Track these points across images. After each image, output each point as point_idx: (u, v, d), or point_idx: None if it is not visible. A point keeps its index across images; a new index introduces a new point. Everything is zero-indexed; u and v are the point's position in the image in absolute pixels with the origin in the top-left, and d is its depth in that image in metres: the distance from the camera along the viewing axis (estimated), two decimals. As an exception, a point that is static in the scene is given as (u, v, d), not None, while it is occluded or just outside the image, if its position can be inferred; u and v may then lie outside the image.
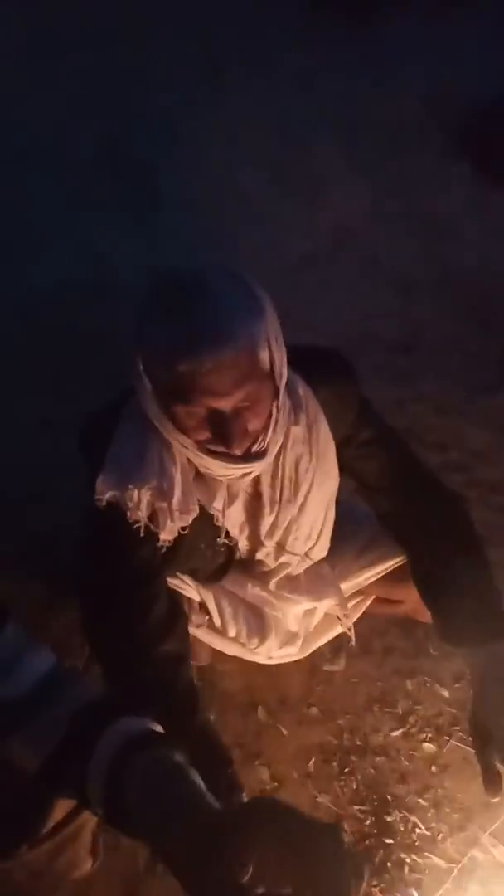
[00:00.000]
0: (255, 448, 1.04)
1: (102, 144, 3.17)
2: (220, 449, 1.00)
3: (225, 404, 0.95)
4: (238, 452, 1.00)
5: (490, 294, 2.70)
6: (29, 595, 1.73)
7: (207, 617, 1.28)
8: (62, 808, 0.94)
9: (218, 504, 1.11)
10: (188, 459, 1.06)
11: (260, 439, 1.03)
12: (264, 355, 0.97)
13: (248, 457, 1.03)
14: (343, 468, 1.22)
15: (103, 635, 1.11)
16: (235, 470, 1.04)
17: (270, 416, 1.03)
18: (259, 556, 1.24)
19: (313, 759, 1.51)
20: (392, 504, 1.26)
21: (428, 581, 1.25)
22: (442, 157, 3.29)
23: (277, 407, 1.03)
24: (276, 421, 1.04)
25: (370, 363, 2.35)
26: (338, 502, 1.27)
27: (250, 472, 1.07)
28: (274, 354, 0.99)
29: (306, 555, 1.26)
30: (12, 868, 0.98)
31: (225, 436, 0.97)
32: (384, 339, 2.44)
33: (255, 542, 1.21)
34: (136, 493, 1.05)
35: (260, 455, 1.04)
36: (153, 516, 1.08)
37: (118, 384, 1.21)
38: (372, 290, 2.67)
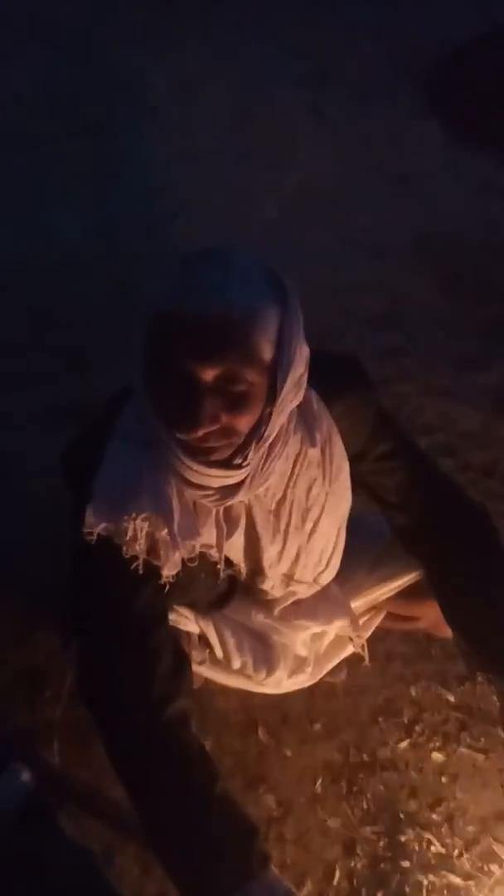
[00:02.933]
0: (236, 459, 0.91)
1: (43, 96, 2.90)
2: (185, 434, 0.87)
3: (203, 372, 0.84)
4: (200, 433, 0.86)
5: (466, 261, 2.58)
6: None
7: (208, 651, 1.16)
8: None
9: (208, 538, 0.98)
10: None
11: (242, 450, 0.90)
12: (265, 343, 0.85)
13: (224, 464, 0.90)
14: (358, 483, 1.11)
15: (105, 701, 0.97)
16: (212, 479, 0.91)
17: (260, 423, 0.89)
18: (264, 586, 1.12)
19: (320, 780, 1.43)
20: (411, 519, 1.15)
21: (450, 598, 1.16)
22: (410, 113, 3.12)
23: (273, 416, 0.89)
24: (267, 433, 0.90)
25: (352, 341, 2.23)
26: (349, 517, 1.15)
27: (232, 492, 0.93)
28: (283, 352, 0.86)
29: (315, 580, 1.15)
30: None
31: (189, 413, 0.85)
32: (363, 314, 2.30)
33: (258, 571, 1.09)
34: (131, 523, 0.92)
35: (239, 467, 0.91)
36: (152, 549, 0.94)
37: (75, 359, 1.06)
38: (346, 259, 2.51)
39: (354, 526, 1.19)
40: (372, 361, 2.20)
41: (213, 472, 0.91)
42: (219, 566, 1.00)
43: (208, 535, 0.97)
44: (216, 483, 0.92)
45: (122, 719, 0.95)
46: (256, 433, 0.89)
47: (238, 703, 1.49)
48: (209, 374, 0.84)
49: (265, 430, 0.89)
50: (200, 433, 0.86)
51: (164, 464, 0.91)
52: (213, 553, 0.98)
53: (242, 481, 0.93)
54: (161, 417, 0.89)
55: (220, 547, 0.98)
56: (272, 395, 0.87)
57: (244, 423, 0.88)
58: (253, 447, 0.90)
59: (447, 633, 1.23)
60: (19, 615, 1.59)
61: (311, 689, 1.52)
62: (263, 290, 0.85)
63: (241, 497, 0.94)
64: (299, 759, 1.45)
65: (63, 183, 2.63)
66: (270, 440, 0.91)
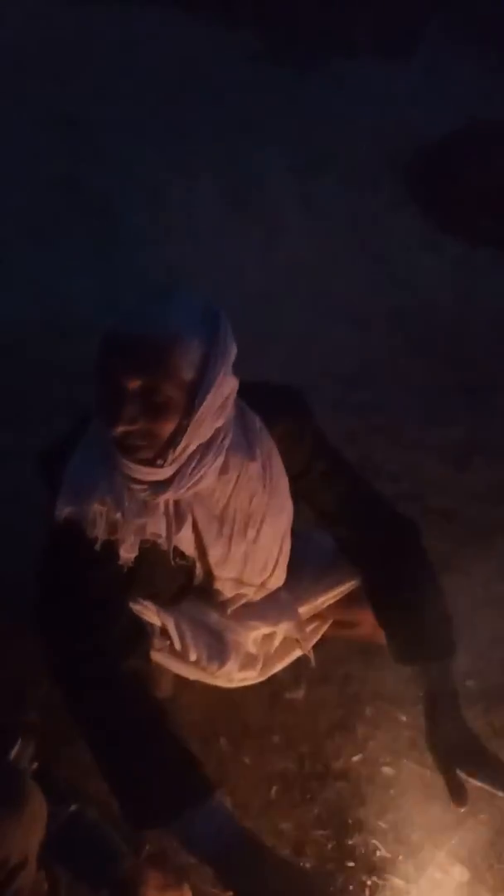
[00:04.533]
0: (159, 461, 1.07)
1: (58, 181, 3.24)
2: (109, 430, 1.04)
3: (127, 382, 1.02)
4: (119, 432, 1.04)
5: (440, 331, 2.82)
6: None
7: (168, 641, 1.30)
8: None
9: (159, 528, 1.14)
10: None
11: (162, 453, 1.07)
12: (186, 365, 1.03)
13: (150, 463, 1.07)
14: (300, 498, 1.27)
15: (65, 653, 1.12)
16: (136, 472, 1.07)
17: (177, 432, 1.06)
18: (216, 586, 1.28)
19: (275, 787, 1.53)
20: (348, 530, 1.31)
21: (381, 600, 1.31)
22: (393, 200, 3.43)
23: (191, 428, 1.06)
24: (191, 444, 1.07)
25: (326, 397, 2.42)
26: (294, 532, 1.32)
27: (161, 489, 1.09)
28: (204, 377, 1.04)
29: (263, 584, 1.31)
30: None
31: (113, 412, 1.03)
32: (339, 374, 2.51)
33: (209, 570, 1.25)
34: (90, 508, 1.09)
35: (158, 466, 1.08)
36: (111, 531, 1.11)
37: (77, 415, 1.26)
38: (327, 326, 2.75)
39: (302, 541, 1.36)
40: (345, 416, 2.42)
41: (138, 468, 1.08)
42: (168, 553, 1.16)
43: (160, 526, 1.14)
44: (145, 478, 1.09)
45: (79, 665, 1.09)
46: (173, 441, 1.06)
47: (202, 715, 1.61)
48: (132, 384, 1.03)
49: (180, 439, 1.07)
50: (119, 430, 1.04)
51: (118, 463, 1.09)
52: (162, 542, 1.15)
53: (170, 480, 1.09)
54: (98, 417, 1.08)
55: (168, 537, 1.15)
56: (189, 409, 1.05)
57: (162, 430, 1.05)
58: (170, 452, 1.07)
59: (382, 639, 1.36)
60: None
61: (271, 704, 1.66)
62: (193, 322, 1.04)
63: (171, 494, 1.11)
64: (257, 767, 1.55)
65: (73, 257, 2.92)
66: (190, 449, 1.08)
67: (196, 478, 1.09)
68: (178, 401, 1.04)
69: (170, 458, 1.07)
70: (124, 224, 3.07)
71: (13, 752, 1.21)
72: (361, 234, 3.23)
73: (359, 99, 4.10)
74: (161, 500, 1.11)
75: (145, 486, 1.09)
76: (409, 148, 3.71)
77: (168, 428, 1.05)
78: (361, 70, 4.36)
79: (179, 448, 1.07)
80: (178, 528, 1.15)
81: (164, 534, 1.14)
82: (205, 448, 1.09)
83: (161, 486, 1.09)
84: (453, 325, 2.83)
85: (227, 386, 1.07)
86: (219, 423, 1.09)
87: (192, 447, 1.08)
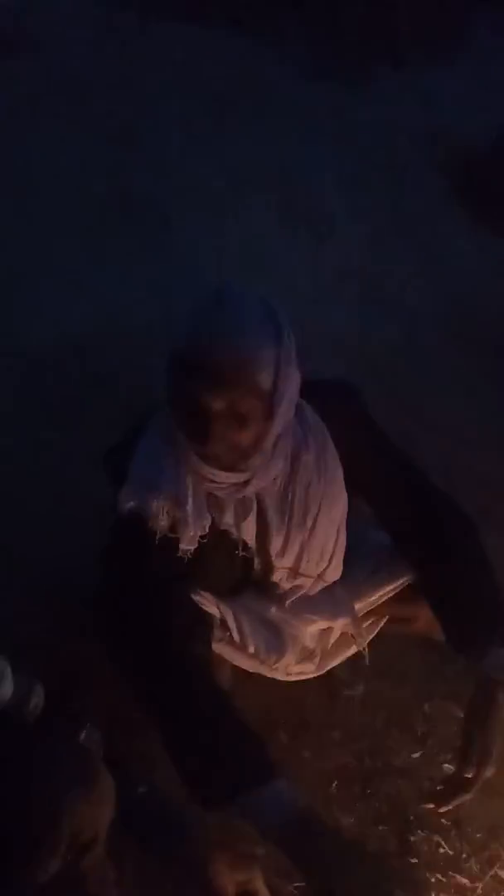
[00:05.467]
0: (241, 465, 1.11)
1: (116, 194, 3.32)
2: (196, 447, 1.08)
3: (214, 403, 1.04)
4: (210, 451, 1.07)
5: (493, 331, 2.79)
6: (39, 620, 1.76)
7: (227, 633, 1.33)
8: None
9: (229, 518, 1.18)
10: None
11: (250, 458, 1.10)
12: (265, 375, 1.05)
13: (232, 468, 1.11)
14: (355, 491, 1.29)
15: (129, 640, 1.16)
16: (220, 479, 1.11)
17: (262, 437, 1.10)
18: (274, 578, 1.30)
19: (335, 782, 1.54)
20: (405, 524, 1.32)
21: (437, 593, 1.31)
22: (441, 203, 3.41)
23: (270, 430, 1.10)
24: (270, 445, 1.11)
25: (378, 397, 2.42)
26: (350, 528, 1.33)
27: (242, 487, 1.13)
28: (279, 380, 1.07)
29: (320, 577, 1.32)
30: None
31: (201, 433, 1.06)
32: (389, 372, 2.51)
33: (267, 561, 1.27)
34: (154, 503, 1.13)
35: (241, 471, 1.12)
36: (173, 526, 1.15)
37: (127, 422, 1.31)
38: (378, 327, 2.75)
39: (358, 537, 1.37)
40: (398, 416, 2.41)
41: (222, 474, 1.13)
42: (238, 542, 1.20)
43: (229, 517, 1.18)
44: (226, 481, 1.13)
45: (143, 650, 1.13)
46: (257, 446, 1.11)
47: (262, 709, 1.62)
48: (218, 405, 1.05)
49: (264, 444, 1.11)
50: (211, 450, 1.08)
51: (183, 460, 1.13)
52: (233, 530, 1.19)
53: (249, 480, 1.14)
54: (182, 431, 1.11)
55: (237, 525, 1.19)
56: (269, 414, 1.09)
57: (247, 439, 1.09)
58: (255, 457, 1.12)
59: (440, 634, 1.36)
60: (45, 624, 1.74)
61: (329, 700, 1.66)
62: (265, 332, 1.05)
63: (249, 491, 1.16)
64: (317, 761, 1.57)
65: (128, 268, 2.98)
66: (269, 448, 1.12)
67: (271, 471, 1.14)
68: (259, 409, 1.07)
69: (252, 462, 1.11)
70: (178, 234, 3.13)
71: (81, 736, 1.24)
72: (410, 239, 3.22)
73: (405, 105, 4.09)
74: (237, 497, 1.16)
75: (224, 486, 1.14)
76: (457, 152, 3.68)
77: (252, 436, 1.09)
78: (407, 77, 4.35)
79: (261, 454, 1.11)
80: (245, 517, 1.18)
81: (232, 522, 1.17)
82: (277, 442, 1.13)
83: (240, 486, 1.14)
84: (501, 325, 2.80)
85: (295, 380, 1.10)
86: (288, 417, 1.12)
87: (271, 445, 1.12)
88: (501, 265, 3.05)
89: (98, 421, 2.31)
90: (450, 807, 1.25)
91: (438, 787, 1.27)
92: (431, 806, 1.27)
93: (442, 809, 1.27)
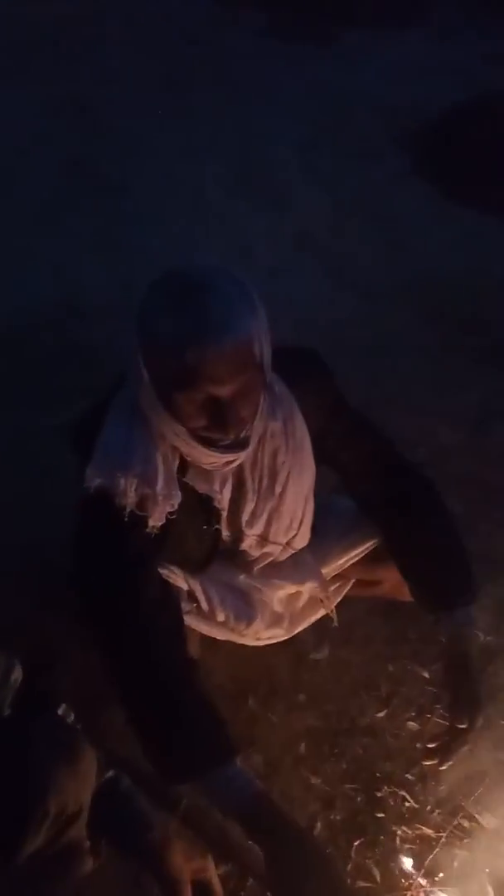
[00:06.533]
0: (243, 434, 1.12)
1: (68, 164, 3.25)
2: (217, 436, 1.07)
3: (224, 391, 1.03)
4: (231, 438, 1.07)
5: (452, 300, 2.81)
6: (18, 601, 1.76)
7: (195, 604, 1.34)
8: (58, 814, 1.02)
9: (217, 486, 1.19)
10: (171, 448, 1.13)
11: (246, 427, 1.11)
12: (257, 348, 1.05)
13: (234, 445, 1.10)
14: (322, 459, 1.30)
15: (99, 615, 1.16)
16: (221, 458, 1.11)
17: (258, 405, 1.11)
18: (243, 546, 1.31)
19: (304, 744, 1.57)
20: (369, 487, 1.34)
21: (403, 551, 1.34)
22: (400, 170, 3.42)
23: (264, 397, 1.12)
24: (262, 410, 1.13)
25: (338, 367, 2.44)
26: (317, 496, 1.35)
27: (234, 461, 1.14)
28: (264, 348, 1.07)
29: (288, 544, 1.34)
30: (14, 870, 1.05)
31: (223, 422, 1.05)
32: (351, 345, 2.52)
33: (237, 530, 1.28)
34: (122, 480, 1.12)
35: (245, 443, 1.12)
36: (141, 503, 1.14)
37: (93, 394, 1.30)
38: (339, 298, 2.76)
39: (324, 506, 1.39)
40: (359, 386, 2.43)
41: (227, 455, 1.12)
42: (210, 516, 1.22)
43: (217, 484, 1.19)
44: (222, 461, 1.13)
45: (113, 626, 1.14)
46: (255, 413, 1.11)
47: (230, 676, 1.65)
48: (228, 392, 1.04)
49: (260, 408, 1.12)
50: (232, 434, 1.07)
51: (154, 437, 1.12)
52: (218, 497, 1.20)
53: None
54: (182, 423, 1.07)
55: (221, 491, 1.20)
56: (264, 381, 1.09)
57: (251, 411, 1.10)
58: (255, 422, 1.12)
59: (406, 595, 1.39)
60: (27, 601, 1.74)
61: (295, 664, 1.70)
62: (246, 307, 1.03)
63: (237, 462, 1.16)
64: (285, 725, 1.60)
65: (83, 239, 2.94)
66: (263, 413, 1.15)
67: (255, 441, 1.15)
68: (258, 380, 1.08)
69: (249, 433, 1.12)
70: (134, 204, 3.08)
71: (59, 710, 1.25)
72: (370, 207, 3.22)
73: (365, 71, 4.08)
74: (228, 469, 1.16)
75: (219, 464, 1.13)
76: (417, 119, 3.68)
77: (253, 406, 1.10)
78: (367, 41, 4.33)
79: (258, 421, 1.12)
80: (224, 484, 1.19)
81: (218, 489, 1.19)
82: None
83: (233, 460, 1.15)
84: (465, 294, 2.83)
85: (269, 345, 1.10)
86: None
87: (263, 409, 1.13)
88: (462, 237, 3.07)
89: (65, 397, 2.29)
90: (451, 761, 1.31)
91: (431, 745, 1.32)
92: (433, 762, 1.33)
93: (444, 766, 1.33)
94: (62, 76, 3.66)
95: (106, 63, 3.83)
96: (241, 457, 1.15)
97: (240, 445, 1.11)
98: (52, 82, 3.60)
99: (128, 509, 1.12)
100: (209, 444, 1.09)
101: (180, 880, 1.14)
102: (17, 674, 1.22)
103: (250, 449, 1.15)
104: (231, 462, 1.14)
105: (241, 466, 1.19)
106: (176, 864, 1.15)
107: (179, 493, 1.15)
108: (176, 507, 1.15)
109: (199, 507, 1.21)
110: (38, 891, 1.14)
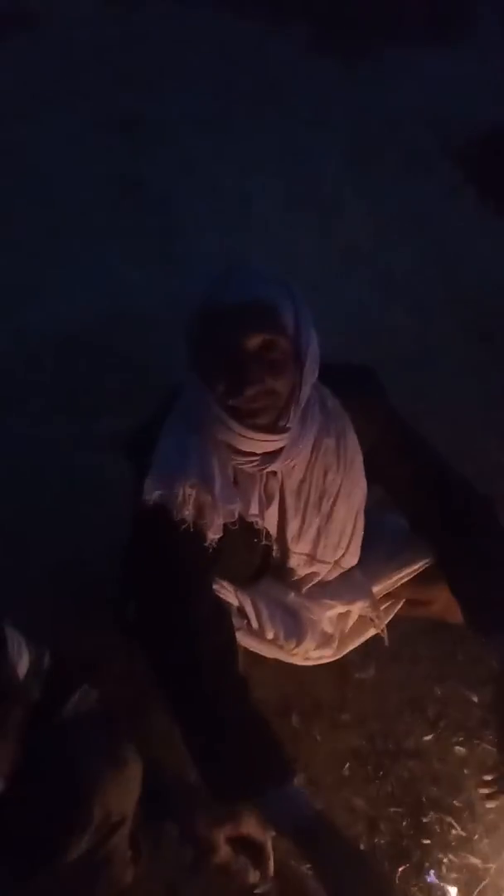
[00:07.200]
0: (280, 422, 1.11)
1: (118, 178, 3.30)
2: (241, 400, 1.08)
3: (245, 342, 1.07)
4: (249, 397, 1.08)
5: (501, 315, 2.77)
6: (57, 617, 1.76)
7: (245, 620, 1.33)
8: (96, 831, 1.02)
9: (254, 508, 1.17)
10: (224, 450, 1.14)
11: (284, 413, 1.11)
12: (288, 320, 1.08)
13: (269, 427, 1.11)
14: (374, 477, 1.29)
15: (153, 631, 1.16)
16: (256, 438, 1.10)
17: (294, 388, 1.11)
18: (290, 564, 1.30)
19: (348, 764, 1.55)
20: (422, 506, 1.32)
21: (456, 572, 1.32)
22: (448, 184, 3.39)
23: (303, 379, 1.11)
24: (301, 397, 1.12)
25: (386, 381, 2.42)
26: (367, 513, 1.33)
27: (271, 459, 1.13)
28: (301, 326, 1.10)
29: (337, 563, 1.32)
30: (56, 875, 1.04)
31: (242, 377, 1.07)
32: (400, 358, 2.49)
33: (284, 547, 1.27)
34: (181, 489, 1.12)
35: (280, 430, 1.12)
36: (199, 513, 1.14)
37: (144, 404, 1.31)
38: (385, 310, 2.74)
39: (375, 521, 1.38)
40: (406, 400, 2.40)
41: (261, 436, 1.11)
42: (261, 531, 1.21)
43: (255, 506, 1.18)
44: (261, 449, 1.12)
45: (167, 641, 1.13)
46: (294, 396, 1.11)
47: (274, 692, 1.63)
48: (252, 344, 1.07)
49: (300, 393, 1.11)
50: (251, 392, 1.08)
51: (209, 443, 1.12)
52: (258, 521, 1.19)
53: (279, 450, 1.14)
54: (213, 392, 1.10)
55: (261, 514, 1.19)
56: (298, 360, 1.10)
57: (283, 386, 1.10)
58: (292, 410, 1.11)
59: (456, 616, 1.36)
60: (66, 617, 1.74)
61: (341, 682, 1.67)
62: (278, 288, 1.10)
63: (279, 465, 1.15)
64: (329, 743, 1.57)
65: (134, 252, 2.97)
66: (303, 406, 1.13)
67: (301, 445, 1.14)
68: (290, 354, 1.09)
69: (292, 416, 1.11)
70: (183, 217, 3.11)
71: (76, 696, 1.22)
72: (418, 220, 3.20)
73: (410, 85, 4.05)
74: (265, 470, 1.15)
75: (255, 459, 1.13)
76: (465, 133, 3.65)
77: (287, 384, 1.10)
78: (413, 56, 4.30)
79: (299, 404, 1.11)
80: (269, 505, 1.18)
81: (256, 512, 1.16)
82: (303, 414, 1.14)
83: (270, 457, 1.13)
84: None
85: (316, 342, 1.13)
86: (313, 379, 1.14)
87: (303, 406, 1.13)
88: (505, 248, 3.03)
89: (106, 405, 2.32)
90: None
91: (487, 778, 1.32)
92: (489, 792, 1.33)
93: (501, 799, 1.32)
94: (113, 94, 3.72)
95: (154, 81, 3.88)
96: (280, 461, 1.14)
97: (274, 429, 1.11)
98: (104, 100, 3.66)
99: (187, 521, 1.12)
100: (239, 417, 1.08)
101: (215, 844, 1.12)
102: (48, 662, 1.22)
103: (291, 452, 1.14)
104: (268, 462, 1.12)
105: (283, 485, 1.18)
106: (206, 829, 1.12)
107: (238, 501, 1.15)
108: (236, 516, 1.15)
109: (249, 523, 1.20)
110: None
